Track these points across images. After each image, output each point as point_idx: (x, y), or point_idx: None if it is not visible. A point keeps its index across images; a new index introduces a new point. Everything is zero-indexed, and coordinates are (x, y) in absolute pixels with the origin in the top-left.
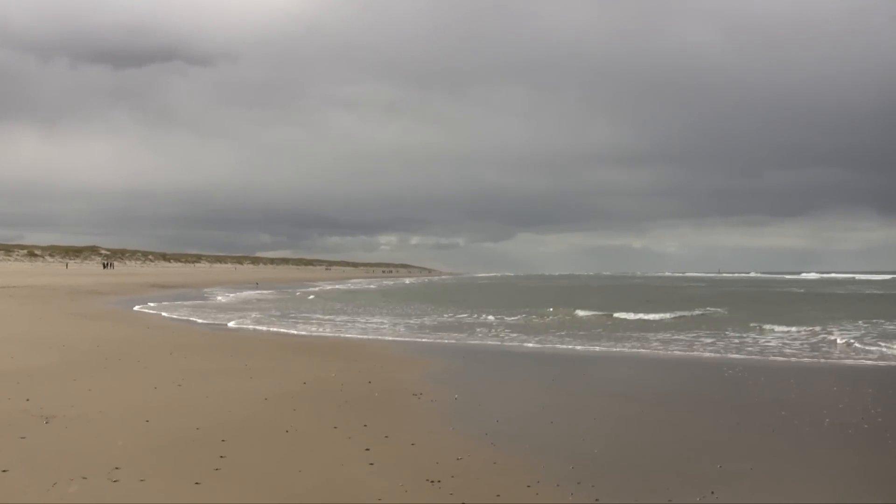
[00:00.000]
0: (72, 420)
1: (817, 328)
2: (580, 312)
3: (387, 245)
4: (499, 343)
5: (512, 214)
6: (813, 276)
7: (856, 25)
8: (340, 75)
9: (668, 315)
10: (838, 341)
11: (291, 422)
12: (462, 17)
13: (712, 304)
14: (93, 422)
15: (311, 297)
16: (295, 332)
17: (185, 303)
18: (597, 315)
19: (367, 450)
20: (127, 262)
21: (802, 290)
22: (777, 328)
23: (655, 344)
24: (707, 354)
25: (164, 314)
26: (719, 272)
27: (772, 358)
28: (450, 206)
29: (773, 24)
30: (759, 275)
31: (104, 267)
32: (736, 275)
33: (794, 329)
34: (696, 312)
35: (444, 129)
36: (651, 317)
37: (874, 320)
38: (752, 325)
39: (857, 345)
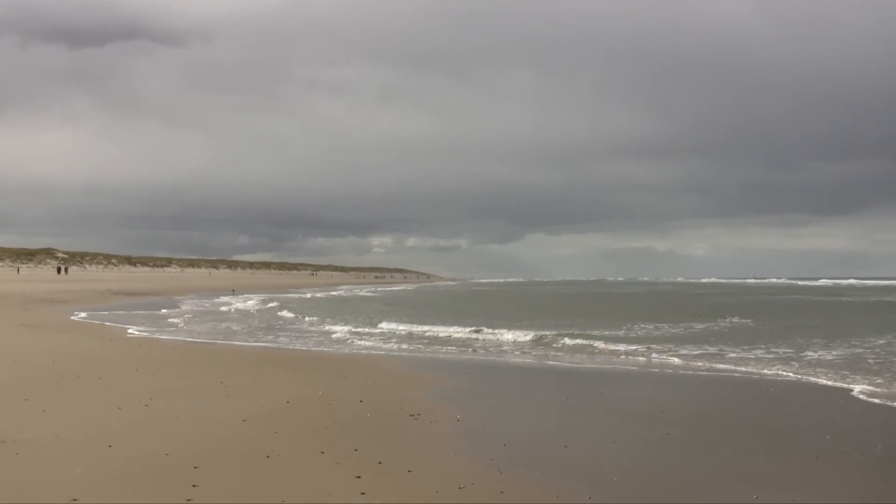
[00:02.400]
0: (24, 445)
1: (654, 347)
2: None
3: (380, 247)
4: (505, 358)
5: (520, 213)
6: (828, 283)
7: None
8: (327, 56)
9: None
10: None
11: (273, 446)
12: None
13: (646, 319)
14: (48, 447)
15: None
16: (276, 345)
17: (154, 312)
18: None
19: (358, 477)
20: (87, 266)
21: (779, 298)
22: (608, 346)
23: (676, 360)
24: (738, 372)
25: (129, 325)
26: (754, 277)
27: (814, 379)
28: (450, 205)
29: None
30: (777, 280)
31: (59, 272)
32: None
33: (622, 347)
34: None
35: (445, 118)
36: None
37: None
38: (581, 342)
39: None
